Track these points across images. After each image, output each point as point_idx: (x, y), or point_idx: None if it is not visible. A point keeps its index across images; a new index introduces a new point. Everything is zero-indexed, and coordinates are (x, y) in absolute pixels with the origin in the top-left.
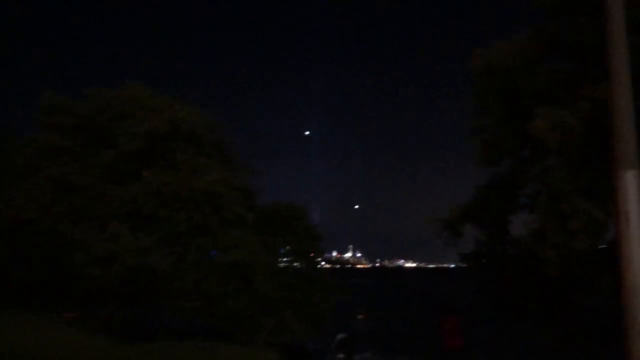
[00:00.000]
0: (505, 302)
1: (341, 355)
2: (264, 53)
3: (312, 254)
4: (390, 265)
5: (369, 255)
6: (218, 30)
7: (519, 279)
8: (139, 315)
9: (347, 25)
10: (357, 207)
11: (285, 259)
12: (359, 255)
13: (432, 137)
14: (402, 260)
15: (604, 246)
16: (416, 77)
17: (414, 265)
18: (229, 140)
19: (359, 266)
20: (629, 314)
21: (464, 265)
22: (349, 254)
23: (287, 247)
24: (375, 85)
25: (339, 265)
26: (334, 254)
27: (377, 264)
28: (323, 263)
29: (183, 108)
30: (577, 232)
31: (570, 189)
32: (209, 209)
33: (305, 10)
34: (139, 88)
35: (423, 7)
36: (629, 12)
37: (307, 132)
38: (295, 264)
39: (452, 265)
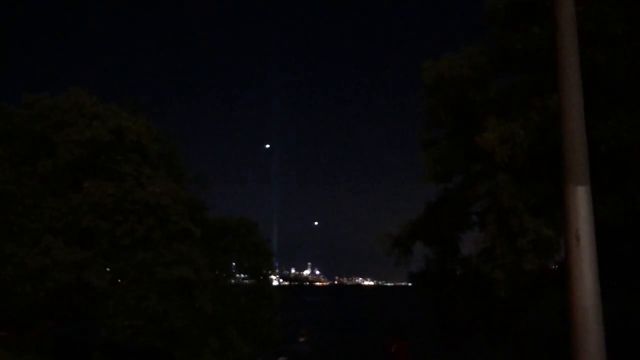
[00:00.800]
0: (454, 322)
1: None
2: (225, 65)
3: (262, 271)
4: (349, 282)
5: (328, 273)
6: (178, 38)
7: (468, 298)
8: (74, 334)
9: (308, 40)
10: (316, 223)
11: (234, 276)
12: (317, 272)
13: (392, 152)
14: (361, 278)
15: (555, 267)
16: (378, 91)
17: (372, 283)
18: (177, 151)
19: (317, 283)
20: (578, 337)
21: (413, 284)
22: (307, 272)
23: (236, 264)
24: (335, 100)
25: (297, 283)
26: (293, 271)
27: (336, 282)
28: (281, 280)
29: (129, 117)
30: (526, 252)
31: (520, 206)
32: (153, 221)
33: (266, 24)
34: (83, 95)
35: (377, 21)
36: (581, 23)
37: (267, 146)
38: (244, 281)
39: (410, 284)
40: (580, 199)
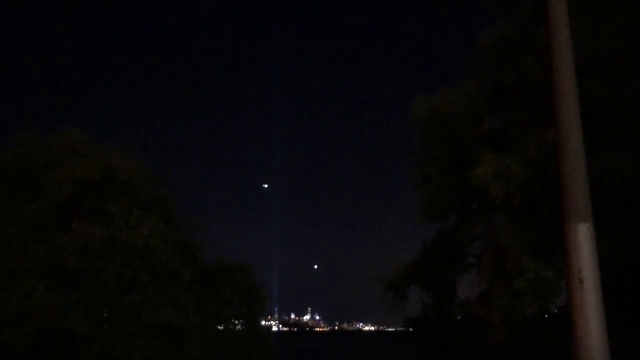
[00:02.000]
0: None
1: None
2: (221, 103)
3: (256, 316)
4: (349, 328)
5: (328, 318)
6: (173, 72)
7: (466, 345)
8: None
9: (307, 77)
10: (315, 267)
11: (226, 321)
12: (317, 317)
13: (395, 192)
14: (361, 323)
15: (556, 310)
16: (381, 130)
17: (373, 328)
18: (170, 192)
19: (317, 329)
20: None
21: (410, 330)
22: (307, 317)
23: (228, 308)
24: (334, 139)
25: (296, 328)
26: (292, 316)
27: (336, 327)
28: (280, 326)
29: (121, 156)
30: (524, 294)
31: (517, 245)
32: (141, 264)
33: (265, 63)
34: (75, 134)
35: (375, 57)
36: (578, 55)
37: (265, 185)
38: (236, 327)
39: (409, 329)
40: (583, 237)
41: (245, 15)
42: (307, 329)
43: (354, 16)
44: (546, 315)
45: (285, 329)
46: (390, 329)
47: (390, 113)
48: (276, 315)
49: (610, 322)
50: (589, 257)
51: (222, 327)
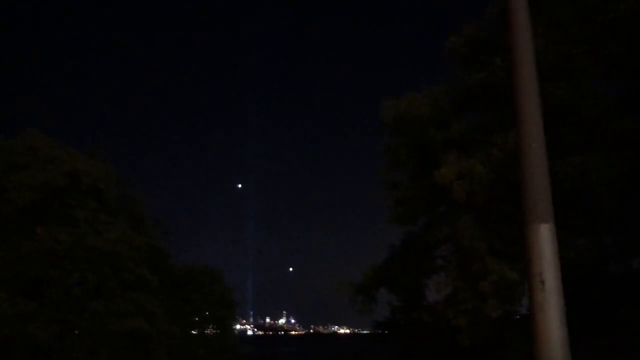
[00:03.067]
0: None
1: None
2: (196, 107)
3: (226, 321)
4: (325, 331)
5: (303, 321)
6: (144, 71)
7: (434, 348)
8: None
9: (281, 80)
10: (290, 269)
11: (196, 327)
12: (293, 321)
13: (367, 197)
14: (337, 326)
15: (521, 314)
16: (356, 132)
17: (349, 331)
18: (138, 196)
19: (293, 333)
20: None
21: (380, 332)
22: (282, 320)
23: (198, 314)
24: (308, 141)
25: (272, 332)
26: (267, 320)
27: (312, 330)
28: (256, 330)
29: (87, 160)
30: (488, 296)
31: (482, 247)
32: (107, 270)
33: (240, 65)
34: (38, 137)
35: (346, 60)
36: (542, 57)
37: (239, 185)
38: (207, 332)
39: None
40: (544, 238)
41: (221, 12)
42: (283, 332)
43: (331, 15)
44: (515, 318)
45: (260, 333)
46: (365, 332)
47: (363, 116)
48: (251, 320)
49: (571, 323)
50: (551, 259)
51: (193, 332)
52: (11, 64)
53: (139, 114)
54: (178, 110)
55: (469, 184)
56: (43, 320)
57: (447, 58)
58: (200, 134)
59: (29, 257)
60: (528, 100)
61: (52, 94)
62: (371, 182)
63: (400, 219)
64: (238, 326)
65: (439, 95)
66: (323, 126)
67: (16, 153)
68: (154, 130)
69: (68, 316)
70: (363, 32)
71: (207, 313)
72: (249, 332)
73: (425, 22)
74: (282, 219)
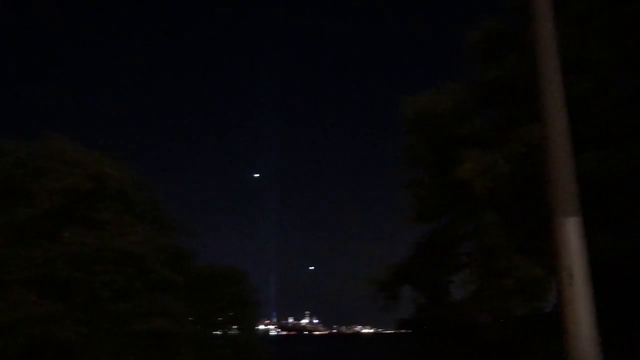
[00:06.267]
0: None
1: None
2: (213, 105)
3: (249, 322)
4: (348, 331)
5: (326, 321)
6: (160, 70)
7: (461, 347)
8: None
9: (299, 77)
10: (311, 268)
11: (220, 327)
12: (315, 321)
13: (390, 195)
14: (360, 326)
15: (550, 310)
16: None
17: (372, 330)
18: (159, 198)
19: (316, 333)
20: None
21: (403, 332)
22: (305, 320)
23: (222, 315)
24: (329, 140)
25: (295, 332)
26: (290, 320)
27: (335, 330)
28: (279, 330)
29: (111, 164)
30: (513, 293)
31: (506, 244)
32: (133, 271)
33: (251, 53)
34: (61, 141)
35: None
36: (562, 50)
37: (256, 175)
38: (230, 333)
39: (411, 330)
40: (571, 232)
41: (235, 9)
42: (306, 332)
43: (349, 13)
44: (539, 315)
45: (283, 333)
46: (388, 332)
47: (384, 113)
48: (274, 320)
49: (600, 318)
50: (579, 252)
51: (216, 333)
52: (32, 65)
53: (154, 110)
54: (194, 109)
55: (491, 179)
56: (70, 321)
57: (466, 53)
58: (218, 132)
59: (56, 259)
60: (552, 93)
61: (61, 92)
62: (393, 180)
63: (422, 217)
64: (261, 326)
65: (460, 91)
66: (343, 123)
67: (42, 157)
68: (169, 128)
69: (94, 317)
70: (382, 26)
71: (230, 313)
72: (272, 332)
73: (441, 17)
74: (305, 219)
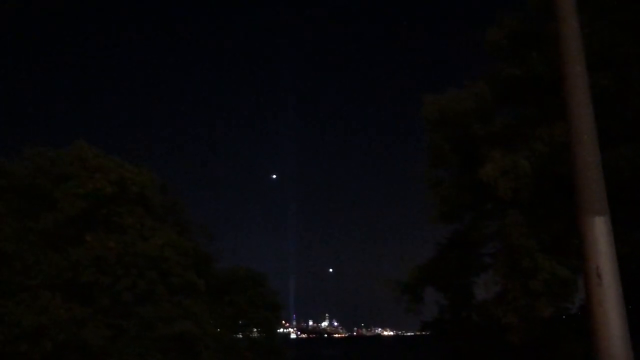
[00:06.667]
0: None
1: None
2: (235, 108)
3: (271, 325)
4: (368, 333)
5: (346, 324)
6: (179, 74)
7: (484, 348)
8: None
9: (313, 72)
10: (330, 270)
11: (242, 330)
12: (335, 324)
13: (410, 196)
14: (380, 329)
15: (575, 311)
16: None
17: (392, 333)
18: (182, 202)
19: (336, 335)
20: None
21: (427, 334)
22: (325, 323)
23: (244, 317)
24: (348, 141)
25: (315, 335)
26: (310, 323)
27: (355, 333)
28: (299, 333)
29: (133, 168)
30: (540, 294)
31: (532, 244)
32: (156, 275)
33: (270, 56)
34: (85, 147)
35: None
36: (587, 47)
37: (273, 176)
38: (252, 335)
39: (435, 332)
40: (600, 231)
41: (254, 15)
42: (326, 335)
43: (370, 10)
44: (564, 316)
45: (303, 335)
46: (409, 334)
47: (404, 114)
48: (294, 323)
49: (631, 318)
50: (607, 252)
51: (238, 336)
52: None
53: (176, 118)
54: (216, 113)
55: (514, 180)
56: (95, 324)
57: (487, 51)
58: (238, 135)
59: (80, 263)
60: (578, 90)
61: (87, 103)
62: (414, 180)
63: (445, 217)
64: (281, 329)
65: (481, 90)
66: (363, 124)
67: (65, 163)
68: (193, 135)
69: (118, 320)
70: (401, 27)
71: (252, 316)
72: (292, 335)
73: (459, 16)
74: (324, 222)
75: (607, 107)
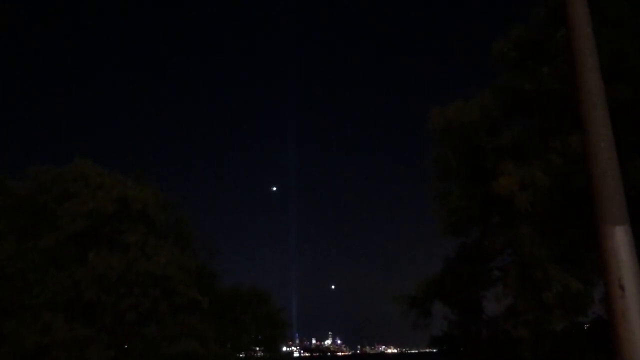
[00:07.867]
0: None
1: None
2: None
3: (276, 343)
4: (372, 351)
5: (350, 342)
6: (184, 87)
7: None
8: None
9: (315, 83)
10: (333, 287)
11: (246, 348)
12: (339, 342)
13: (413, 211)
14: (384, 346)
15: (587, 325)
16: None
17: (396, 350)
18: (185, 219)
19: (339, 354)
20: None
21: (434, 351)
22: (329, 341)
23: (248, 335)
24: (350, 157)
25: (318, 354)
26: (314, 341)
27: (358, 351)
28: (302, 352)
29: (135, 185)
30: (553, 307)
31: (544, 256)
32: (159, 293)
33: (270, 67)
34: (88, 165)
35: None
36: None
37: (273, 188)
38: (257, 354)
39: (433, 350)
40: (620, 241)
41: (254, 19)
42: (329, 353)
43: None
44: (577, 330)
45: (306, 354)
46: (413, 351)
47: (407, 127)
48: (297, 341)
49: None
50: (629, 262)
51: (243, 355)
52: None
53: (172, 129)
54: (217, 125)
55: (532, 194)
56: (99, 345)
57: (494, 63)
58: (239, 148)
59: (82, 282)
60: (594, 99)
61: (90, 120)
62: (418, 193)
63: (453, 230)
64: (284, 348)
65: (488, 101)
66: (367, 140)
67: (67, 181)
68: (187, 146)
69: (122, 340)
70: (406, 38)
71: (257, 334)
72: (295, 354)
73: (464, 27)
74: (325, 239)
75: (620, 120)
